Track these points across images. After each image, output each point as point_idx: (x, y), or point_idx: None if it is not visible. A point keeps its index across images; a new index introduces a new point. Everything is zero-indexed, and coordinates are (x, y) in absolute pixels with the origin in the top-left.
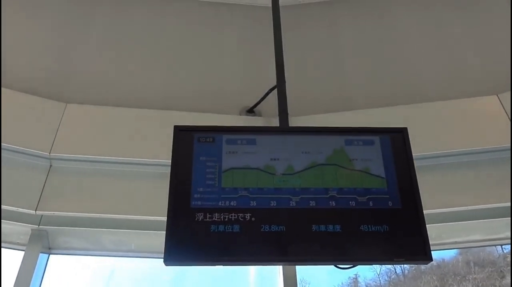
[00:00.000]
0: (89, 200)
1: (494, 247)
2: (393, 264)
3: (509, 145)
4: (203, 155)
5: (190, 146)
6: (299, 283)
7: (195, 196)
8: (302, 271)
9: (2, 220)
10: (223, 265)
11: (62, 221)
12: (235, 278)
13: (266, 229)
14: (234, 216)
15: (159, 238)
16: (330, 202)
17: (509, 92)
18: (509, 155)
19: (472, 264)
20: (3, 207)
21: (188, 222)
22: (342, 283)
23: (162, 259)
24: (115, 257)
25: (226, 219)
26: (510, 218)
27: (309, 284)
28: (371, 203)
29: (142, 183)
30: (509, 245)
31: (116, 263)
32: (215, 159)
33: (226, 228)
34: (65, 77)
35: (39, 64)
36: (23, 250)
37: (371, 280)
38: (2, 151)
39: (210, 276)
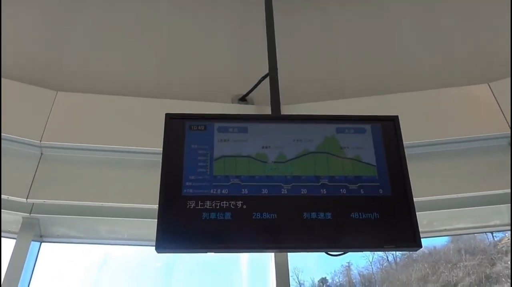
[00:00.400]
0: (80, 188)
1: (485, 235)
2: (383, 251)
3: (499, 133)
4: (195, 142)
5: (182, 134)
6: (293, 271)
7: (187, 183)
8: (295, 259)
9: None
10: (214, 253)
11: (54, 209)
12: (227, 266)
13: (258, 216)
14: (226, 203)
15: (151, 226)
16: (321, 190)
17: (500, 81)
18: (499, 143)
19: (463, 252)
20: None
21: (180, 210)
22: (335, 271)
23: (154, 247)
24: (107, 245)
25: (218, 207)
26: (508, 205)
27: (302, 272)
28: (362, 191)
29: (134, 171)
30: (500, 233)
31: (108, 250)
32: (207, 147)
33: (217, 215)
34: (56, 65)
35: (29, 52)
36: (15, 238)
37: (363, 268)
38: None
39: (202, 263)
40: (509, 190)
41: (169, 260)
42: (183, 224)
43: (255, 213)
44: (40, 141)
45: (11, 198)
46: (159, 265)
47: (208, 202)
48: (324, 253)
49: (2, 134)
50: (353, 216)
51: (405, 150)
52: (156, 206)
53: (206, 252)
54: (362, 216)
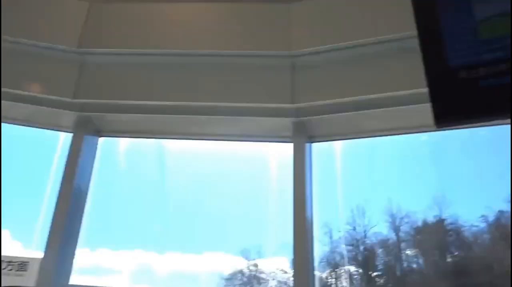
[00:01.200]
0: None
1: None
2: None
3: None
4: (450, 9)
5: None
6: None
7: (452, 54)
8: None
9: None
10: (496, 120)
11: (106, 107)
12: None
13: None
14: (503, 66)
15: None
16: None
17: None
18: None
19: None
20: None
21: (451, 83)
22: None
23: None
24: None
25: (495, 72)
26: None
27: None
28: None
29: None
30: None
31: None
32: (466, 9)
33: (496, 81)
34: None
35: None
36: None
37: None
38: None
39: None
40: None
41: None
42: (458, 96)
43: None
44: (78, 48)
45: (60, 98)
46: None
47: (481, 68)
48: None
49: (42, 43)
50: None
51: None
52: None
53: (489, 121)
54: None
